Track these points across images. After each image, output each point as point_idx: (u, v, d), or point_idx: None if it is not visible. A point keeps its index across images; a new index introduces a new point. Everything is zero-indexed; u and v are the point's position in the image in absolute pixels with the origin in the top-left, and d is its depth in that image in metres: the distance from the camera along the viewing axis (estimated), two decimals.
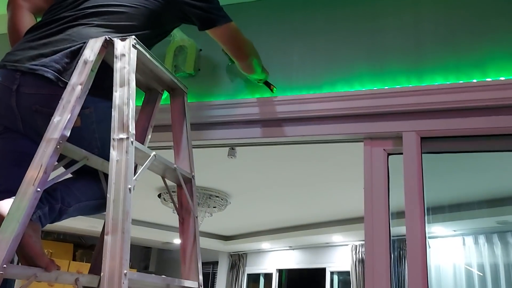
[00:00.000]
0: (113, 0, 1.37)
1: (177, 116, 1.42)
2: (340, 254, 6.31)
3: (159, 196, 4.93)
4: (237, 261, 7.90)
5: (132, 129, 1.08)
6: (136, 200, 5.81)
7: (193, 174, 1.36)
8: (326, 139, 1.85)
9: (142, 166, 1.17)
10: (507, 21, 1.72)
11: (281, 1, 2.07)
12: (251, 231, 6.97)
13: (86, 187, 1.28)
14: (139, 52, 1.21)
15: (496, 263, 4.42)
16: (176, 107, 1.43)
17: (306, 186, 4.58)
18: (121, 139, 1.07)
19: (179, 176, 1.28)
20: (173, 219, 5.65)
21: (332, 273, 6.50)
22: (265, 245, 7.18)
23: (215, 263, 8.33)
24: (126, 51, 1.17)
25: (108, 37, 1.21)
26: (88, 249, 8.45)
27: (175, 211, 4.57)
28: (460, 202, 4.41)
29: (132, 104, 1.11)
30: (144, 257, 10.21)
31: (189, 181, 1.35)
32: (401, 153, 1.71)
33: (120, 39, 1.20)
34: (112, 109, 1.11)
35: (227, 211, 5.54)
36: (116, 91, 1.13)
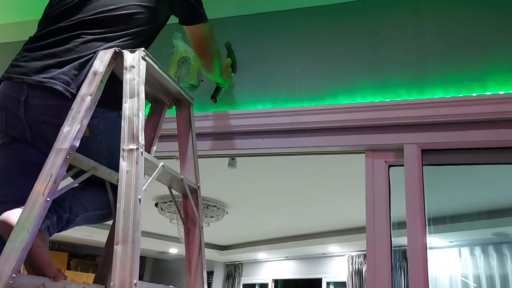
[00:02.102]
0: (109, 4, 1.35)
1: (183, 127, 1.44)
2: (337, 265, 6.30)
3: (156, 205, 4.92)
4: (232, 271, 7.87)
5: (142, 139, 1.10)
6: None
7: (198, 184, 1.37)
8: (328, 150, 1.87)
9: (150, 176, 1.18)
10: (506, 36, 1.75)
11: (285, 14, 2.10)
12: (247, 241, 6.96)
13: (93, 197, 1.29)
14: (148, 63, 1.23)
15: (492, 275, 4.44)
16: (182, 118, 1.45)
17: (303, 196, 4.60)
18: (131, 149, 1.08)
19: (186, 186, 1.29)
20: (169, 229, 5.65)
21: (328, 283, 6.49)
22: (261, 255, 7.17)
23: (210, 273, 8.28)
24: (136, 63, 1.19)
25: (118, 49, 1.22)
26: (82, 258, 8.39)
27: (172, 221, 4.55)
28: (456, 214, 4.43)
29: (142, 115, 1.13)
30: (140, 266, 10.15)
31: (194, 191, 1.36)
32: (402, 165, 1.74)
33: (129, 51, 1.22)
34: (122, 120, 1.13)
35: (224, 221, 5.53)
36: (125, 102, 1.14)
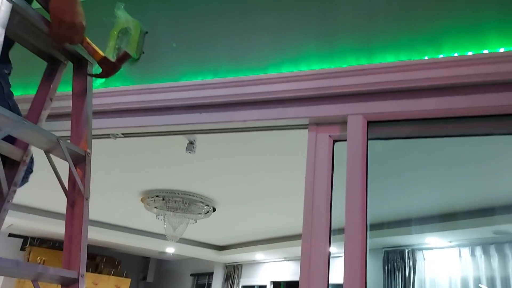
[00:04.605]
0: None
1: (79, 89, 1.28)
2: (334, 266, 6.05)
3: (142, 200, 4.78)
4: (232, 272, 7.69)
5: None
6: (128, 207, 5.56)
7: (88, 151, 1.20)
8: (268, 125, 1.68)
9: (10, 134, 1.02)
10: None
11: None
12: (244, 241, 6.76)
13: None
14: (18, 7, 1.07)
15: (493, 276, 4.14)
16: (78, 78, 1.29)
17: (296, 192, 4.39)
18: None
19: (65, 151, 1.12)
20: (163, 227, 5.50)
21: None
22: (259, 256, 6.96)
23: (210, 274, 8.12)
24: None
25: None
26: None
27: (158, 217, 4.35)
28: (455, 211, 4.17)
29: None
30: (143, 267, 10.04)
31: (82, 159, 1.19)
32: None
33: None
34: None
35: (218, 219, 5.36)
36: None
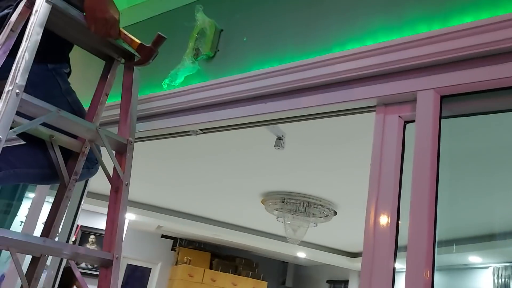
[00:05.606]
0: None
1: (127, 83, 1.34)
2: (479, 278, 5.34)
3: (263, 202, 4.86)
4: None
5: (20, 81, 1.04)
6: (253, 209, 5.60)
7: (129, 140, 1.25)
8: (332, 109, 1.55)
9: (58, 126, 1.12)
10: None
11: None
12: None
13: (26, 153, 1.27)
14: (58, 7, 1.17)
15: None
16: (128, 73, 1.35)
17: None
18: (8, 91, 1.03)
19: (104, 139, 1.18)
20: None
21: None
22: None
23: (346, 282, 7.87)
24: (39, 6, 1.14)
25: None
26: (224, 259, 8.79)
27: (278, 219, 4.38)
28: None
29: (28, 57, 1.07)
30: (282, 271, 10.22)
31: (124, 147, 1.24)
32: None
33: None
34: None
35: (344, 224, 5.16)
36: (21, 46, 1.10)
